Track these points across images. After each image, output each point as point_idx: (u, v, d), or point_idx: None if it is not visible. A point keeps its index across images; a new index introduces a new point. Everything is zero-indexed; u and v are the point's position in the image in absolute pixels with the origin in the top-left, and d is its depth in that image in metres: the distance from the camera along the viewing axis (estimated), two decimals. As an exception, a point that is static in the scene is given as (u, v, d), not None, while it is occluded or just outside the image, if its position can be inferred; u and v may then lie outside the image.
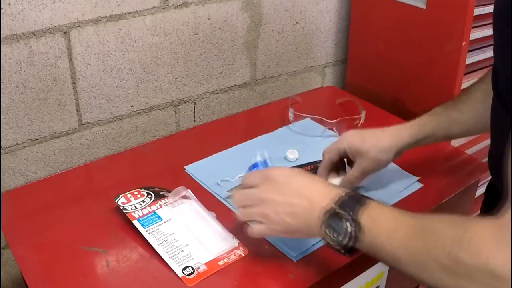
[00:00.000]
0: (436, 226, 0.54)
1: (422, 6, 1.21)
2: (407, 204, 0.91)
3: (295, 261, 0.78)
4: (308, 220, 0.66)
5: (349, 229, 0.61)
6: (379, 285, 0.91)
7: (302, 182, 0.69)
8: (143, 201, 0.86)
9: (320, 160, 0.97)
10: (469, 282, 0.49)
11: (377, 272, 0.88)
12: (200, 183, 0.95)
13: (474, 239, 0.49)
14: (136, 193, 0.88)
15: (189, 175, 0.98)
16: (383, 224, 0.59)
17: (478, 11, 1.17)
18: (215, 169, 0.99)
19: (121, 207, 0.84)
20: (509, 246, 0.46)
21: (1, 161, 1.06)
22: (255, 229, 0.70)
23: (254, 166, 0.78)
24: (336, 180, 0.89)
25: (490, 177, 0.81)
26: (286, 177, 0.69)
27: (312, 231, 0.66)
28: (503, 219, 0.48)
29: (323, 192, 0.66)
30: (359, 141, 0.87)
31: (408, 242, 0.55)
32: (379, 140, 0.86)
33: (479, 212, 0.88)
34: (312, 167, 0.96)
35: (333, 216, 0.63)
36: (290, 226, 0.68)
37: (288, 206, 0.67)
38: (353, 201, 0.63)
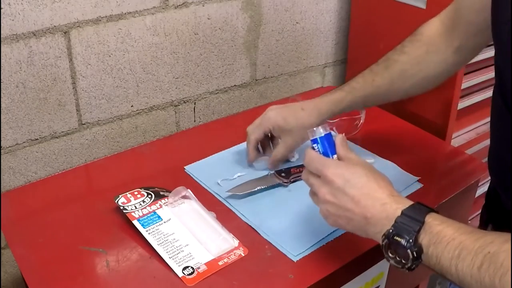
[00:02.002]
0: (505, 259, 0.51)
1: (422, 6, 1.21)
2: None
3: (295, 261, 0.78)
4: (364, 230, 0.65)
5: (410, 255, 0.59)
6: (379, 285, 0.91)
7: (358, 190, 0.65)
8: (143, 201, 0.86)
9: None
10: None
11: (377, 272, 0.88)
12: (200, 183, 0.95)
13: None
14: (136, 193, 0.88)
15: (189, 175, 0.98)
16: (446, 248, 0.56)
17: (478, 11, 1.16)
18: (215, 169, 0.99)
19: (121, 207, 0.84)
20: None
21: (1, 161, 1.06)
22: (322, 214, 0.70)
23: (314, 141, 0.71)
24: (262, 162, 0.99)
25: (490, 179, 0.80)
26: (342, 180, 0.65)
27: (370, 237, 0.65)
28: None
29: (379, 210, 0.63)
30: (282, 122, 0.93)
31: (475, 271, 0.53)
32: (299, 119, 0.93)
33: (479, 213, 0.88)
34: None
35: (392, 243, 0.60)
36: (345, 228, 0.67)
37: (343, 211, 0.65)
38: (411, 222, 0.60)
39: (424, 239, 0.58)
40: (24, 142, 1.08)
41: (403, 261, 0.60)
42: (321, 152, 0.70)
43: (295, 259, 0.78)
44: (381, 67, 0.91)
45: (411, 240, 0.58)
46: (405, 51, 0.89)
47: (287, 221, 0.86)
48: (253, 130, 0.96)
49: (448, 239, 0.56)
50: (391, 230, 0.60)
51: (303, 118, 0.92)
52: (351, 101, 0.92)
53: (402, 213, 0.61)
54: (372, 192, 0.64)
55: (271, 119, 0.94)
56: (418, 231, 0.59)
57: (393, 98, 0.94)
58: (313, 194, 0.70)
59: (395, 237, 0.60)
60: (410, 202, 0.62)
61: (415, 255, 0.58)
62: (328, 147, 0.70)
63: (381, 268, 0.88)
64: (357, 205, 0.64)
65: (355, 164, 0.68)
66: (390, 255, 0.61)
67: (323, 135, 0.70)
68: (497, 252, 0.52)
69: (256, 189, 0.92)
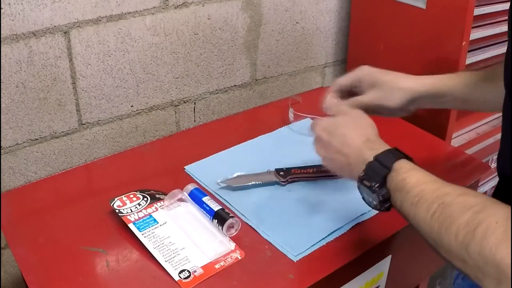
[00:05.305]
0: (455, 211, 0.55)
1: (422, 6, 1.21)
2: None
3: (295, 261, 0.78)
4: (351, 174, 0.71)
5: (376, 199, 0.65)
6: (379, 285, 0.91)
7: (339, 140, 0.74)
8: (139, 204, 0.85)
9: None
10: (476, 270, 0.51)
11: (377, 272, 0.88)
12: (200, 183, 0.95)
13: (485, 232, 0.50)
14: (131, 196, 0.87)
15: (189, 175, 0.98)
16: (407, 195, 0.61)
17: (478, 11, 1.17)
18: (215, 169, 0.98)
19: (117, 210, 0.83)
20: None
21: (1, 161, 1.06)
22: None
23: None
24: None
25: (493, 177, 0.80)
26: (326, 133, 0.76)
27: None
28: None
29: (356, 156, 0.70)
30: (378, 72, 0.85)
31: (428, 218, 0.57)
32: (399, 76, 0.84)
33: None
34: (314, 170, 0.96)
35: (362, 187, 0.67)
36: (342, 173, 0.74)
37: (334, 160, 0.74)
38: (380, 168, 0.65)
39: (391, 184, 0.63)
40: (24, 142, 1.08)
41: (374, 203, 0.66)
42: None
43: (295, 259, 0.78)
44: (488, 73, 0.84)
45: (376, 185, 0.64)
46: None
47: (287, 221, 0.86)
48: (341, 77, 0.88)
49: (410, 187, 0.61)
50: (361, 175, 0.67)
51: (403, 77, 0.84)
52: (456, 88, 0.83)
53: (374, 158, 0.66)
54: (349, 140, 0.72)
55: (364, 68, 0.86)
56: (384, 177, 0.64)
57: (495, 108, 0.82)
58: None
59: (364, 181, 0.66)
60: (384, 148, 0.67)
61: (381, 198, 0.64)
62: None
63: (381, 268, 0.88)
64: (340, 153, 0.72)
65: (338, 114, 0.79)
66: (365, 195, 0.68)
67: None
68: (450, 203, 0.56)
69: (250, 183, 0.92)
